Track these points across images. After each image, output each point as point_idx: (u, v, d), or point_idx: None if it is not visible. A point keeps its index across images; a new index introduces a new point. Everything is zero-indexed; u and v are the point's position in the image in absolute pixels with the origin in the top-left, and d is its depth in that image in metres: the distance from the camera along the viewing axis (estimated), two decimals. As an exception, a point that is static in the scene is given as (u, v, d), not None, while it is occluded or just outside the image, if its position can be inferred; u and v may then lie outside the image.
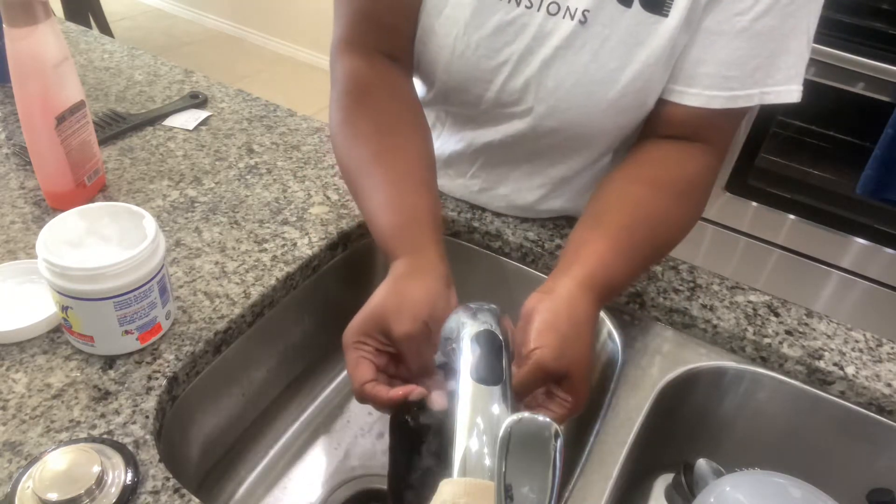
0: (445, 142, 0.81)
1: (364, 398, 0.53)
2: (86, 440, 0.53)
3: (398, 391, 0.51)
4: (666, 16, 0.61)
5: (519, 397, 0.51)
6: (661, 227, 0.64)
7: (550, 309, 0.53)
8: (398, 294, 0.55)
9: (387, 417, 0.53)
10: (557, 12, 0.63)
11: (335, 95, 0.70)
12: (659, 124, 0.68)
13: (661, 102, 0.67)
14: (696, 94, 0.64)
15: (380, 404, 0.53)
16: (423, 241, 0.60)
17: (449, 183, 0.84)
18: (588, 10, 0.62)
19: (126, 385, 0.58)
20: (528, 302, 0.55)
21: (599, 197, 0.65)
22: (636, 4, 0.62)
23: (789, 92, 0.64)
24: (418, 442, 0.49)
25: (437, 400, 0.51)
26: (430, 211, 0.63)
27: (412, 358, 0.54)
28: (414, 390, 0.51)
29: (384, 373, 0.55)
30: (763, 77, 0.63)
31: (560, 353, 0.51)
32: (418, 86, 0.78)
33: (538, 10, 0.64)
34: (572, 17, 0.63)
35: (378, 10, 0.70)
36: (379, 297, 0.55)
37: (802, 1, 0.61)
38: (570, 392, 0.52)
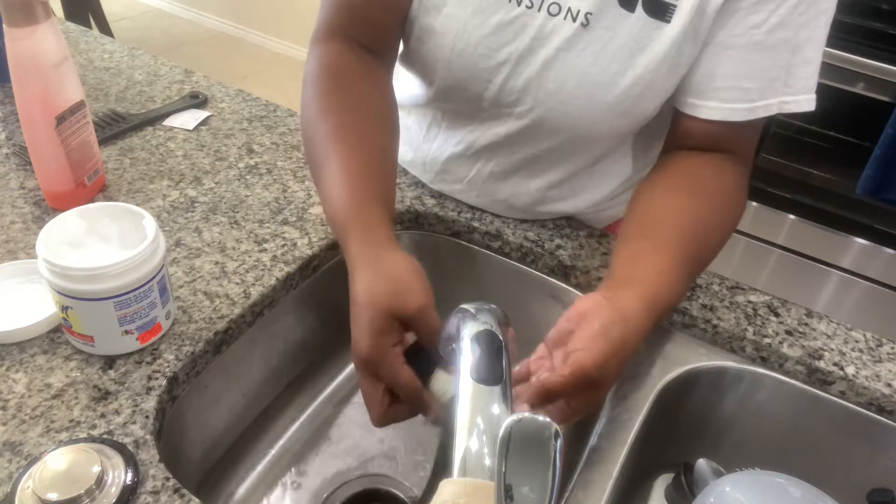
0: (443, 144, 0.81)
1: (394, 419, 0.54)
2: (86, 440, 0.53)
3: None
4: (668, 22, 0.61)
5: (550, 399, 0.49)
6: (708, 238, 0.63)
7: (608, 317, 0.51)
8: (392, 275, 0.53)
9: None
10: (558, 13, 0.63)
11: (308, 75, 0.70)
12: (683, 138, 0.68)
13: (682, 116, 0.67)
14: (717, 108, 0.64)
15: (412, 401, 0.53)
16: (378, 220, 0.58)
17: (447, 188, 0.84)
18: (590, 13, 0.62)
19: (126, 385, 0.58)
20: (582, 302, 0.54)
21: (643, 207, 0.64)
22: (639, 9, 0.62)
23: (808, 101, 0.65)
24: None
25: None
26: (382, 193, 0.61)
27: (430, 329, 0.53)
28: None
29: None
30: (782, 87, 0.63)
31: (603, 362, 0.49)
32: (416, 85, 0.78)
33: (539, 10, 0.64)
34: (574, 19, 0.63)
35: (364, 5, 0.70)
36: (375, 290, 0.52)
37: (815, 11, 0.61)
38: (590, 400, 0.51)
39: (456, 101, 0.74)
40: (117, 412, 0.56)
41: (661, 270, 0.57)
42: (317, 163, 0.64)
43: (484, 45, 0.66)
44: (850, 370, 0.68)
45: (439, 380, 0.53)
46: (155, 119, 0.94)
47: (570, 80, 0.65)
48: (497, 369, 0.43)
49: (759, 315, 0.73)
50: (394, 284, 0.52)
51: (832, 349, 0.70)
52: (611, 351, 0.50)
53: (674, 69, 0.64)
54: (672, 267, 0.58)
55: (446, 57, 0.68)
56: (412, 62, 0.74)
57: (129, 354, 0.60)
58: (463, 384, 0.43)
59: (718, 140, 0.67)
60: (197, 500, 0.50)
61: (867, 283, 1.70)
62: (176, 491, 0.51)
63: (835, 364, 0.69)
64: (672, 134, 0.70)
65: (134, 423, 0.55)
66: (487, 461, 0.39)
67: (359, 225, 0.57)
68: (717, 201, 0.65)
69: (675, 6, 0.61)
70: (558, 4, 0.63)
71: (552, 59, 0.65)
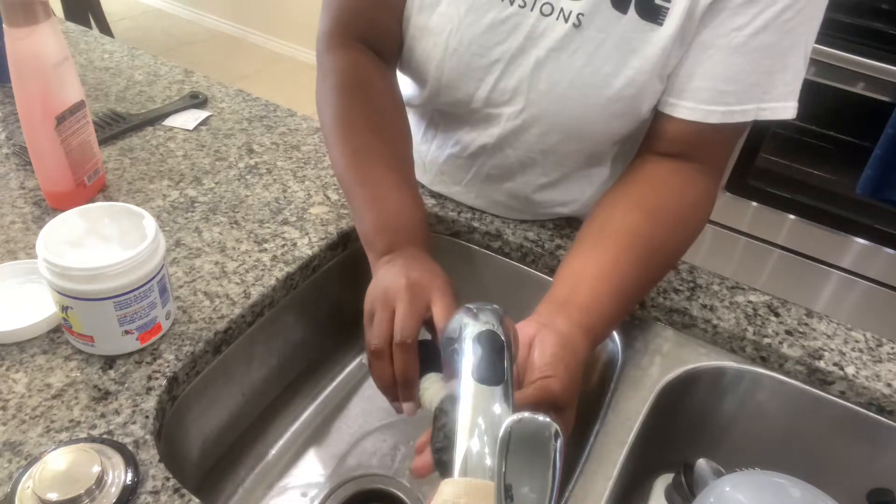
0: (441, 146, 0.81)
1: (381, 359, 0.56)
2: (86, 440, 0.53)
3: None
4: (661, 24, 0.61)
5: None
6: (657, 258, 0.64)
7: (558, 343, 0.53)
8: (428, 272, 0.58)
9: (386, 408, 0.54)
10: (551, 13, 0.63)
11: (327, 89, 0.71)
12: (656, 139, 0.68)
13: (659, 115, 0.67)
14: (693, 108, 0.64)
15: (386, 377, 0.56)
16: (422, 238, 0.65)
17: (445, 190, 0.85)
18: (583, 14, 0.62)
19: (126, 385, 0.58)
20: (525, 327, 0.55)
21: (598, 222, 0.65)
22: (632, 11, 0.61)
23: (785, 109, 0.64)
24: None
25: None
26: (419, 211, 0.67)
27: (445, 306, 0.57)
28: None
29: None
30: (760, 94, 0.63)
31: (567, 385, 0.51)
32: (410, 85, 0.78)
33: (531, 9, 0.64)
34: (566, 20, 0.63)
35: (368, 8, 0.71)
36: (412, 274, 0.57)
37: (801, 18, 0.60)
38: (565, 424, 0.53)
39: (449, 100, 0.74)
40: (117, 412, 0.56)
41: (598, 297, 0.58)
42: (351, 179, 0.68)
43: (477, 43, 0.66)
44: (850, 370, 0.68)
45: (430, 384, 0.55)
46: (155, 119, 0.94)
47: (562, 81, 0.65)
48: (498, 369, 0.43)
49: (759, 315, 0.73)
50: (430, 277, 0.58)
51: (832, 349, 0.70)
52: (569, 374, 0.52)
53: (664, 71, 0.64)
54: (610, 293, 0.59)
55: (439, 55, 0.68)
56: (407, 61, 0.74)
57: (129, 354, 0.60)
58: (464, 384, 0.43)
59: (693, 144, 0.66)
60: (197, 500, 0.50)
61: (867, 283, 1.70)
62: (176, 491, 0.51)
63: (835, 364, 0.69)
64: (648, 134, 0.69)
65: (134, 423, 0.55)
66: (488, 461, 0.39)
67: (398, 240, 0.64)
68: (677, 220, 0.65)
69: (667, 8, 0.61)
70: (551, 4, 0.63)
71: (544, 59, 0.65)
